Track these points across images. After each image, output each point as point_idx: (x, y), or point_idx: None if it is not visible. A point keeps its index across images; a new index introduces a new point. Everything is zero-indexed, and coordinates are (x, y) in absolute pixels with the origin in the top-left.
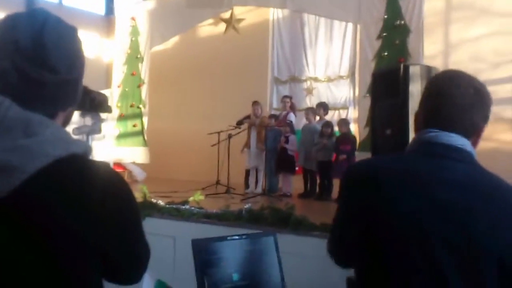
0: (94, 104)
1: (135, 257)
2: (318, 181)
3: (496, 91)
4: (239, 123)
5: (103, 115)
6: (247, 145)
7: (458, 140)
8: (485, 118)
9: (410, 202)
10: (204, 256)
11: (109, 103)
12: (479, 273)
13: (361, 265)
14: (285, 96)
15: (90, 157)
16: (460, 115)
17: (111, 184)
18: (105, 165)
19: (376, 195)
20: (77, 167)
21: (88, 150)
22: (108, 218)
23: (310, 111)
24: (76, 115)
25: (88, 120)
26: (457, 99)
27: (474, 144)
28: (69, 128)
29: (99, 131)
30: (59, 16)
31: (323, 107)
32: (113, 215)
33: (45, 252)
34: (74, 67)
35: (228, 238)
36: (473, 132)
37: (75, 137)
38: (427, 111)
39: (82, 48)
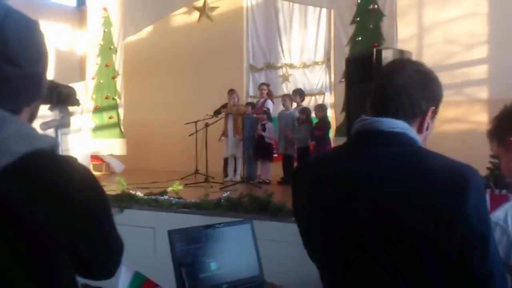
0: (62, 98)
1: (106, 251)
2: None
3: (470, 73)
4: (217, 112)
5: (72, 109)
6: (224, 133)
7: (388, 124)
8: (430, 100)
9: (340, 198)
10: (180, 246)
11: (84, 96)
12: (414, 258)
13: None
14: (262, 84)
15: (57, 152)
16: (397, 95)
17: (78, 178)
18: (72, 159)
19: (313, 195)
20: (43, 163)
21: (55, 145)
22: (76, 212)
23: (287, 98)
24: (44, 110)
25: (56, 114)
26: (395, 80)
27: (420, 127)
28: (37, 123)
29: (68, 125)
30: (20, 10)
31: (299, 93)
32: (81, 209)
33: (15, 249)
34: (37, 61)
35: (205, 227)
36: (415, 114)
37: (42, 132)
38: (371, 97)
39: (45, 42)
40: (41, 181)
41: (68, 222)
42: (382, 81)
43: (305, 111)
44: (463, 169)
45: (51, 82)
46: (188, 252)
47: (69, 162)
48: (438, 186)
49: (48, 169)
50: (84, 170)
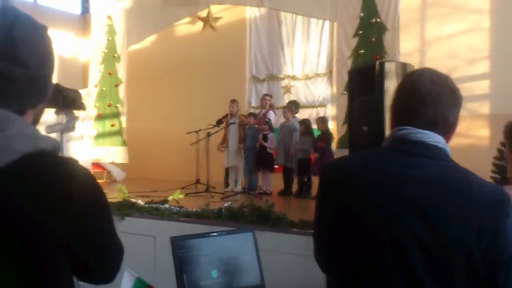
0: (67, 102)
1: (105, 255)
2: (296, 179)
3: (471, 88)
4: (219, 122)
5: (78, 113)
6: (223, 143)
7: (432, 137)
8: (458, 117)
9: (380, 198)
10: (182, 253)
11: (87, 103)
12: (446, 267)
13: (336, 265)
14: (266, 95)
15: (59, 153)
16: (443, 113)
17: (78, 179)
18: (73, 161)
19: (347, 192)
20: (44, 163)
21: (57, 146)
22: (76, 214)
23: (287, 109)
24: (51, 114)
25: (62, 118)
26: (441, 98)
27: (448, 140)
28: (42, 126)
29: (73, 128)
30: (29, 15)
31: (294, 105)
32: (81, 211)
33: (12, 248)
34: (44, 64)
35: (207, 235)
36: (450, 130)
37: (46, 134)
38: (405, 108)
39: (52, 46)
40: (41, 181)
41: (66, 222)
42: (421, 97)
43: (304, 122)
44: (502, 190)
45: (57, 85)
46: (189, 259)
47: (70, 164)
48: (483, 202)
49: (49, 169)
50: (85, 172)
